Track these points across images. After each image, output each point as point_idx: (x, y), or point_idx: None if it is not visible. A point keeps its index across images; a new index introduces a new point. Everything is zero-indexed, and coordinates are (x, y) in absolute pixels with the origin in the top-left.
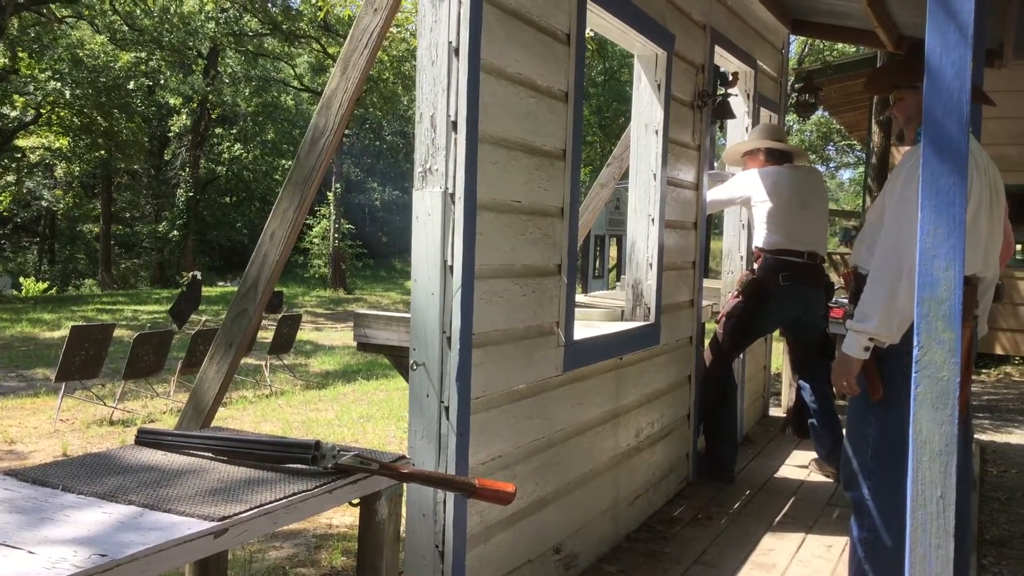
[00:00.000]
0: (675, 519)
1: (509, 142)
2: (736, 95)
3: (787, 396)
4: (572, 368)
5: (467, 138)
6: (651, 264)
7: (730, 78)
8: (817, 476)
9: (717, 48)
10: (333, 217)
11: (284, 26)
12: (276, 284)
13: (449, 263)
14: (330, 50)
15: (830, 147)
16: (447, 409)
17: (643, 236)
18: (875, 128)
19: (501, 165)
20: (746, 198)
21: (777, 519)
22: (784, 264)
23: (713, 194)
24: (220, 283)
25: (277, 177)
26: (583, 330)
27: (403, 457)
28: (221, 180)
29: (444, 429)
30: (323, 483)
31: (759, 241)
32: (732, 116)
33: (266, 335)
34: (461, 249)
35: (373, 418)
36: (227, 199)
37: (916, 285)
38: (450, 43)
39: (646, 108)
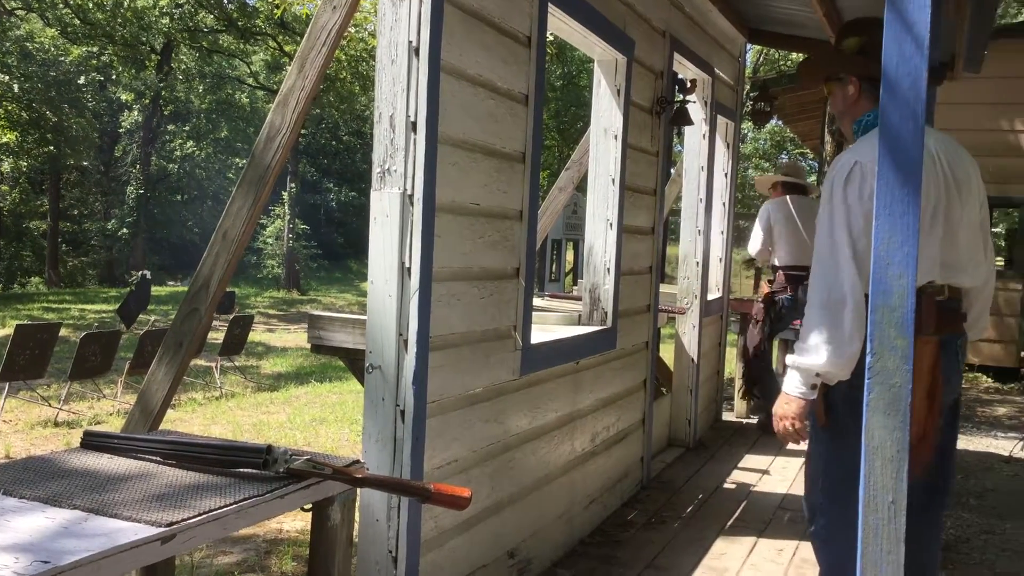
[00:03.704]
0: (629, 523)
1: (468, 144)
2: (694, 102)
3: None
4: (529, 372)
5: (427, 139)
6: (609, 269)
7: (688, 85)
8: (767, 481)
9: (676, 55)
10: (287, 217)
11: (240, 23)
12: (228, 284)
13: (407, 265)
14: (286, 48)
15: (783, 155)
16: (403, 412)
17: (601, 241)
18: (828, 138)
19: (460, 167)
20: (768, 228)
21: (729, 523)
22: (791, 278)
23: (752, 245)
24: (170, 282)
25: (231, 176)
26: (540, 334)
27: (357, 461)
28: (173, 178)
29: (400, 433)
30: (274, 488)
31: (775, 260)
32: (690, 123)
33: (217, 336)
34: (419, 251)
35: (326, 421)
36: (178, 197)
37: (871, 292)
38: (410, 42)
39: (605, 113)
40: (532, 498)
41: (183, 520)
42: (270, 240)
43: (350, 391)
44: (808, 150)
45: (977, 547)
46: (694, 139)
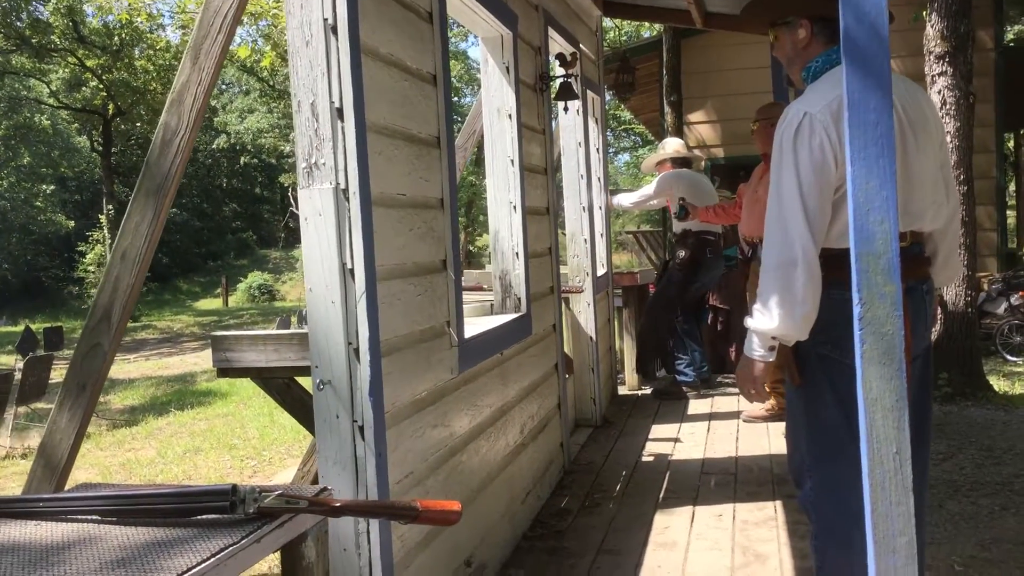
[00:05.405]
0: (564, 510)
1: (390, 130)
2: (576, 76)
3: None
4: (465, 368)
5: (356, 126)
6: (517, 253)
7: (568, 59)
8: (682, 449)
9: (550, 29)
10: (108, 241)
11: (33, 40)
12: (46, 320)
13: (349, 266)
14: (88, 63)
15: (608, 133)
16: (362, 429)
17: (506, 224)
18: (667, 109)
19: (386, 155)
20: (667, 193)
21: (661, 496)
22: (706, 242)
23: (631, 195)
24: None
25: (38, 204)
26: (467, 328)
27: (326, 489)
28: None
29: (360, 451)
30: (249, 532)
31: (688, 225)
32: (576, 97)
33: (56, 375)
34: (362, 250)
35: (202, 450)
36: None
37: (852, 240)
38: (326, 20)
39: (496, 92)
40: (479, 500)
41: None
42: (91, 268)
43: (217, 415)
44: (641, 124)
45: None
46: (569, 115)
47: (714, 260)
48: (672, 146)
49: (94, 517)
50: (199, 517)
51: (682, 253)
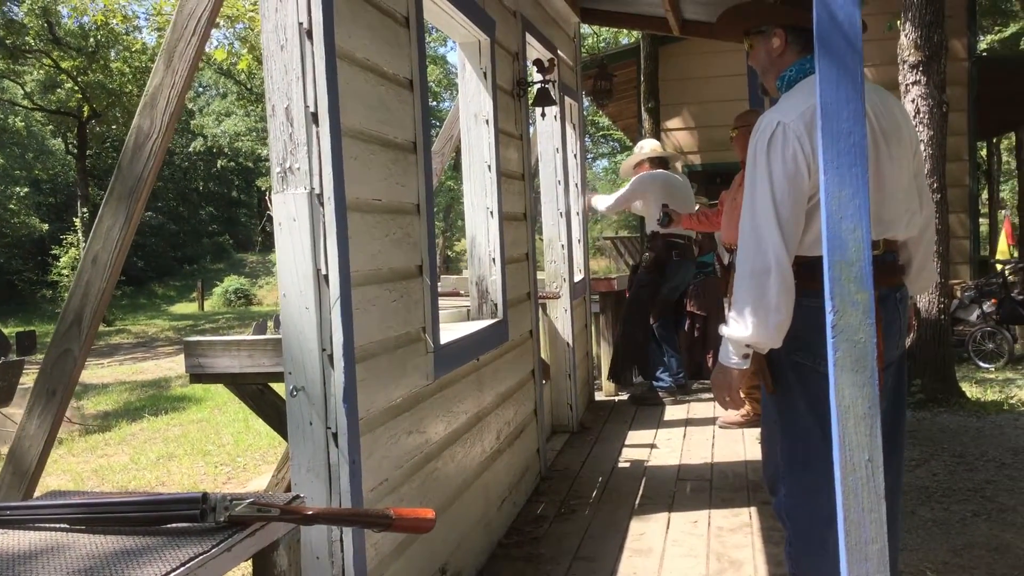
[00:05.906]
0: (540, 517)
1: (365, 135)
2: (554, 82)
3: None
4: (442, 374)
5: (331, 131)
6: (494, 259)
7: (547, 64)
8: (658, 455)
9: (528, 35)
10: (82, 245)
11: (7, 41)
12: (19, 324)
13: (324, 272)
14: (63, 64)
15: (586, 138)
16: (335, 435)
17: (483, 230)
18: (645, 115)
19: (362, 160)
20: (643, 195)
21: (637, 502)
22: (673, 244)
23: (608, 199)
24: None
25: (12, 207)
26: (443, 334)
27: (298, 497)
28: None
29: (334, 458)
30: (219, 541)
31: (658, 228)
32: (553, 103)
33: (27, 380)
34: (336, 255)
35: (176, 456)
36: None
37: (825, 249)
38: (300, 24)
39: (474, 97)
40: (455, 507)
41: None
42: (65, 272)
43: (191, 421)
44: (618, 130)
45: None
46: (547, 121)
47: (680, 263)
48: (649, 147)
49: (63, 525)
50: (169, 525)
51: (648, 255)
